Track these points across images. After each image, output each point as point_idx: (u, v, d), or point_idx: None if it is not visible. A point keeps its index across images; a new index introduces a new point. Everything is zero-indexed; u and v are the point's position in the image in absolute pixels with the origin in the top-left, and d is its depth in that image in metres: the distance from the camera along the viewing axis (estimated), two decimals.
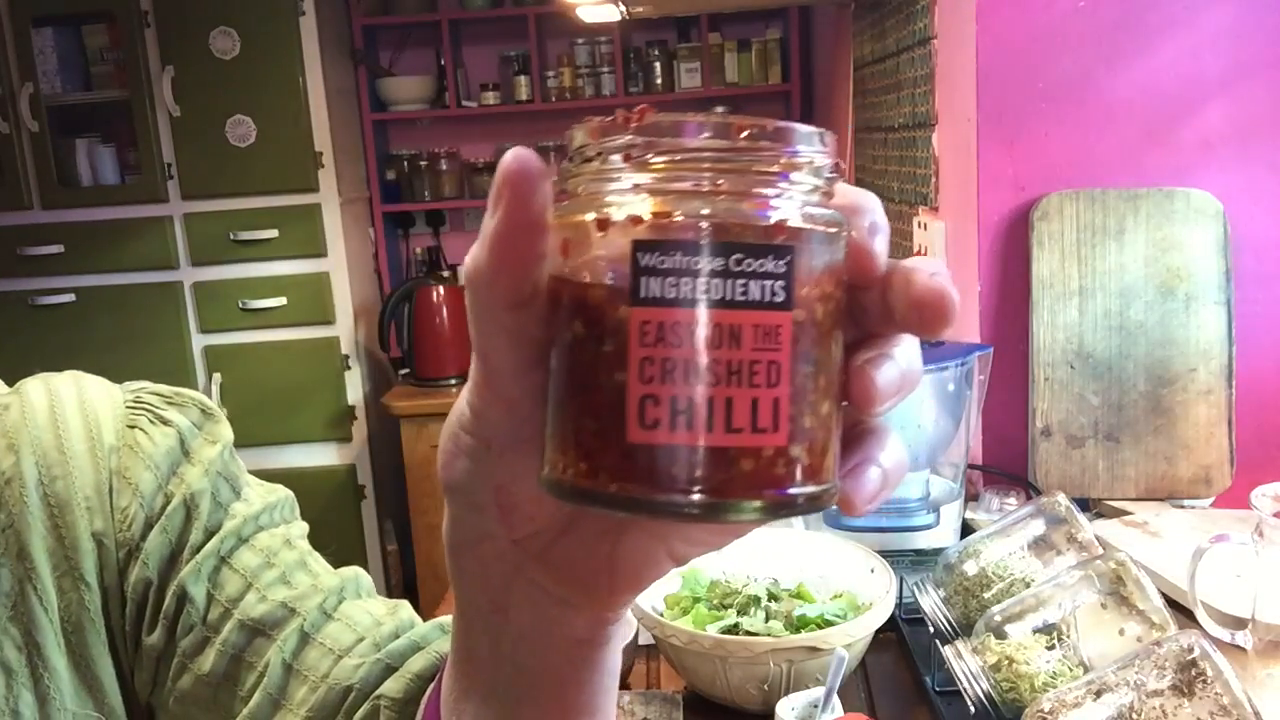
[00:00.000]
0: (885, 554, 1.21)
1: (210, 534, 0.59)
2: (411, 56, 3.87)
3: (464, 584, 0.40)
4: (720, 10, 3.59)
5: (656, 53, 3.73)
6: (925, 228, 1.86)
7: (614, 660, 0.42)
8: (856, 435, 0.33)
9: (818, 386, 0.30)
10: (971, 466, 1.52)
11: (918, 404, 1.34)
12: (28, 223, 3.37)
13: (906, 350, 0.32)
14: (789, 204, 0.30)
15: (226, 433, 0.64)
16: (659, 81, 3.74)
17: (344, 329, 3.47)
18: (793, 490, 0.30)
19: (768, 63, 3.71)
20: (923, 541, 1.36)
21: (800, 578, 1.22)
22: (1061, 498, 1.10)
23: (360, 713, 0.54)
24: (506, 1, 3.68)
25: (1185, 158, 1.51)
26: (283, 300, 3.42)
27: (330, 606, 0.59)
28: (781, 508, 0.30)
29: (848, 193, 0.33)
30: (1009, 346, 1.53)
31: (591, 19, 2.72)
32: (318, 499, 3.52)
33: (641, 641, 1.22)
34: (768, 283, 0.29)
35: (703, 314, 0.28)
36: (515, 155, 0.31)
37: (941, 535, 1.36)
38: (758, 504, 0.29)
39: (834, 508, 0.33)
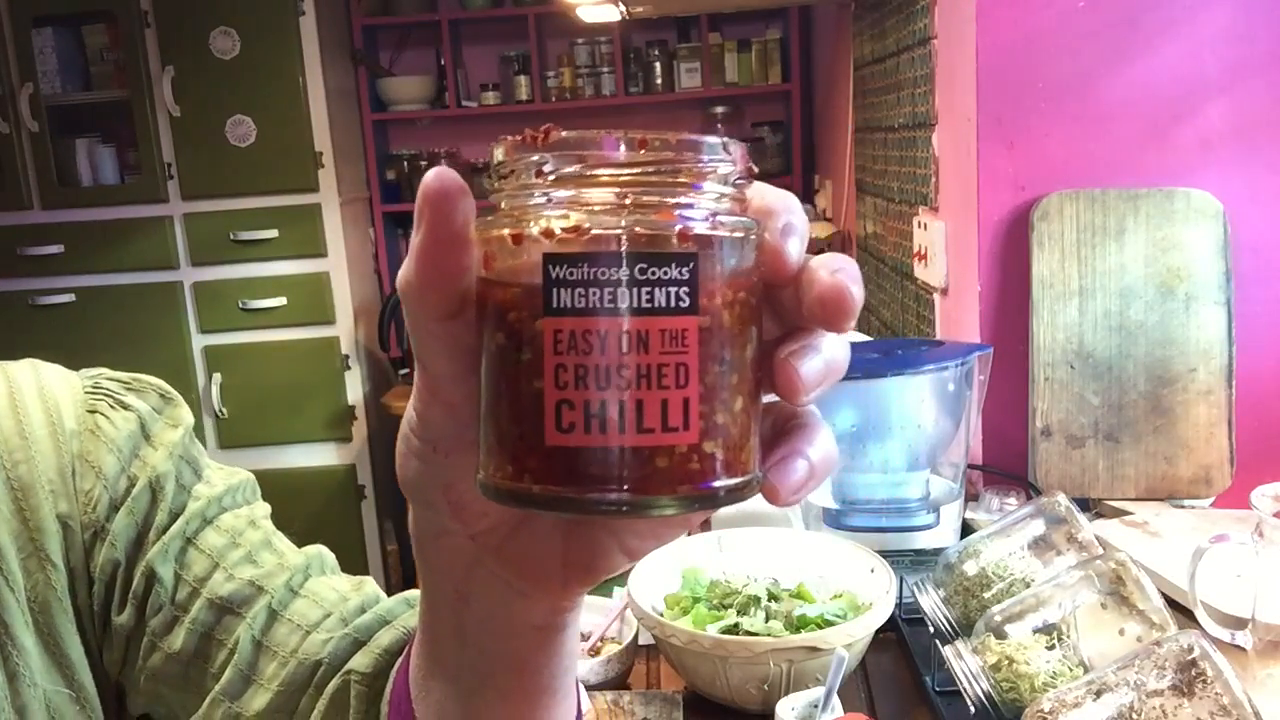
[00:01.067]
0: (885, 554, 1.21)
1: (175, 516, 0.60)
2: (411, 56, 3.87)
3: (428, 573, 0.42)
4: (720, 10, 3.59)
5: (656, 53, 3.73)
6: (925, 228, 1.86)
7: (573, 643, 0.44)
8: (787, 429, 0.35)
9: (730, 384, 0.31)
10: (971, 466, 1.52)
11: (918, 404, 1.34)
12: (28, 223, 3.38)
13: (831, 341, 0.34)
14: (693, 213, 0.31)
15: (187, 416, 0.65)
16: (659, 81, 3.74)
17: (344, 329, 3.47)
18: (712, 484, 0.31)
19: (768, 63, 3.71)
20: (923, 541, 1.36)
21: (800, 578, 1.22)
22: (1061, 498, 1.10)
23: (330, 686, 0.55)
24: (506, 1, 3.69)
25: (1185, 158, 1.50)
26: (283, 300, 3.42)
27: (296, 584, 0.60)
28: (698, 501, 0.31)
29: (765, 195, 0.34)
30: (1009, 346, 1.53)
31: (591, 19, 2.72)
32: (318, 499, 3.52)
33: (641, 641, 1.22)
34: (672, 289, 0.30)
35: (611, 322, 0.30)
36: (436, 174, 0.32)
37: (941, 535, 1.36)
38: (675, 499, 0.31)
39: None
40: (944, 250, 1.75)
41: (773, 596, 1.17)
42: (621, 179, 0.31)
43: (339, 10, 3.58)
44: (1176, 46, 1.49)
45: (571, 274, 0.30)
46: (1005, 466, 1.56)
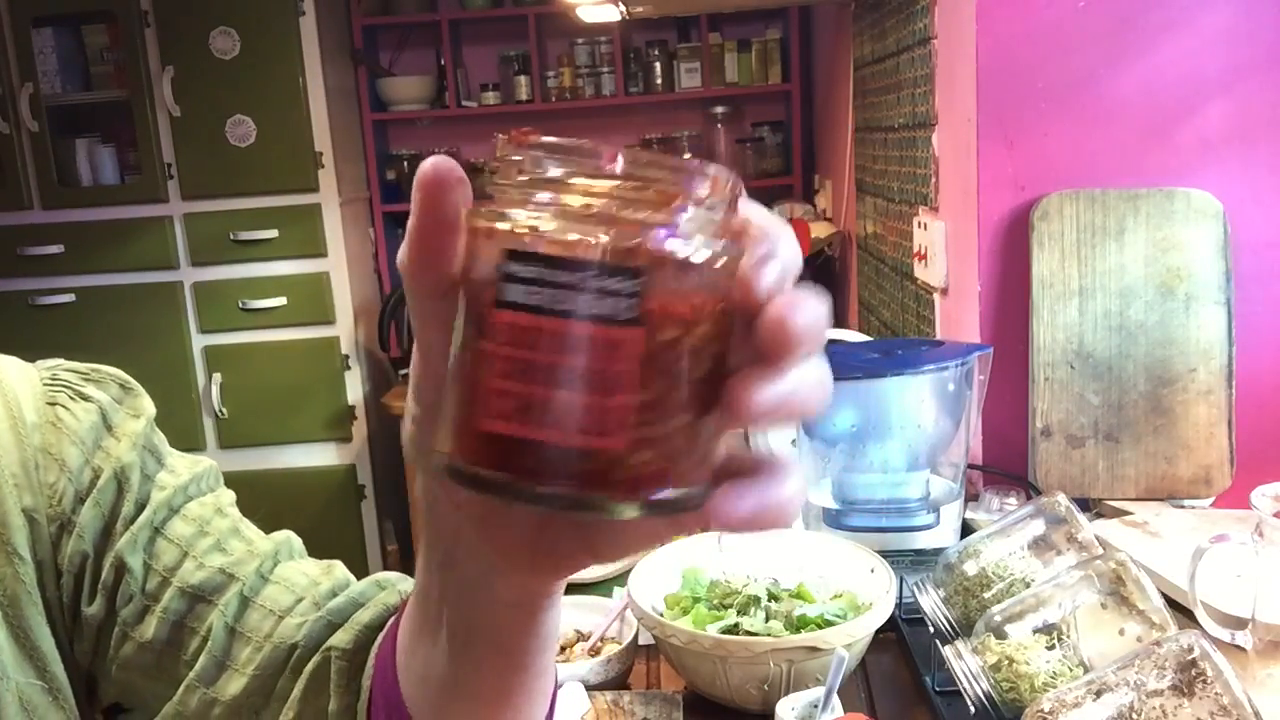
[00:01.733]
0: (885, 554, 1.21)
1: (141, 506, 0.61)
2: (411, 56, 3.87)
3: (427, 534, 0.45)
4: (720, 10, 3.59)
5: (656, 53, 3.73)
6: (925, 228, 1.86)
7: (548, 626, 0.46)
8: (751, 465, 0.35)
9: (673, 401, 0.31)
10: (971, 466, 1.52)
11: (918, 404, 1.34)
12: (28, 223, 3.37)
13: (800, 374, 0.33)
14: (653, 231, 0.31)
15: (149, 406, 0.65)
16: (659, 81, 3.74)
17: (344, 329, 3.47)
18: (641, 493, 0.31)
19: (768, 63, 3.71)
20: (923, 541, 1.36)
21: (800, 578, 1.22)
22: (1061, 498, 1.10)
23: (310, 665, 0.56)
24: (506, 1, 3.69)
25: (1185, 158, 1.50)
26: (283, 300, 3.42)
27: (267, 570, 0.61)
28: (619, 507, 0.31)
29: (753, 221, 0.34)
30: (1009, 346, 1.53)
31: (591, 19, 2.72)
32: (318, 499, 3.52)
33: (641, 641, 1.22)
34: (616, 300, 0.30)
35: (556, 323, 0.30)
36: (432, 163, 0.34)
37: (941, 535, 1.36)
38: (597, 500, 0.31)
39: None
40: (944, 250, 1.75)
41: (773, 596, 1.17)
42: (592, 189, 0.31)
43: (339, 10, 3.58)
44: (1176, 46, 1.49)
45: (525, 272, 0.31)
46: (1005, 466, 1.56)
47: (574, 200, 0.31)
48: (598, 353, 0.30)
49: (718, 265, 0.32)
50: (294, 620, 0.58)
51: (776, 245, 0.34)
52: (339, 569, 0.63)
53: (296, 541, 0.65)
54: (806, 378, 0.33)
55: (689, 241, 0.31)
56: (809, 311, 0.32)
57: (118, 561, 0.59)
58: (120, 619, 0.59)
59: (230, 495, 0.66)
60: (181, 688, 0.58)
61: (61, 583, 0.59)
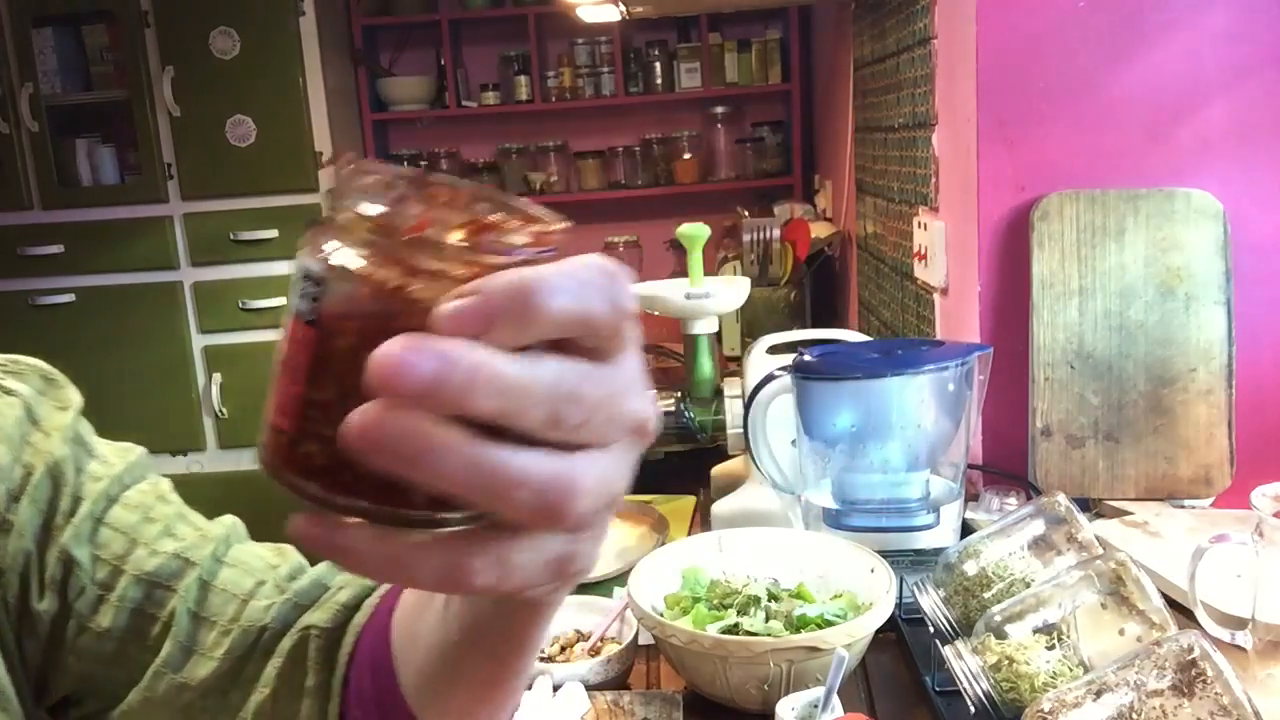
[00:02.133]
0: (885, 554, 1.21)
1: (77, 499, 0.60)
2: (411, 56, 3.87)
3: None
4: (720, 10, 3.59)
5: (656, 53, 3.73)
6: (925, 228, 1.86)
7: (531, 634, 0.47)
8: (430, 546, 0.33)
9: (341, 409, 0.31)
10: (971, 466, 1.52)
11: (918, 404, 1.34)
12: (28, 223, 3.38)
13: (416, 427, 0.29)
14: (346, 248, 0.33)
15: (75, 397, 0.64)
16: (659, 81, 3.74)
17: None
18: (306, 481, 0.33)
19: (768, 63, 3.71)
20: (923, 541, 1.36)
21: (800, 578, 1.22)
22: (1061, 498, 1.10)
23: (286, 644, 0.57)
24: (506, 1, 3.69)
25: (1185, 158, 1.50)
26: (283, 300, 3.41)
27: (221, 554, 0.61)
28: (293, 489, 0.34)
29: (523, 273, 0.31)
30: (1009, 346, 1.53)
31: (591, 19, 2.73)
32: None
33: (641, 641, 1.22)
34: (306, 302, 0.34)
35: (288, 315, 0.35)
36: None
37: (941, 535, 1.36)
38: (280, 474, 0.34)
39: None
40: (944, 250, 1.75)
41: (773, 596, 1.17)
42: (345, 208, 0.34)
43: (339, 10, 3.58)
44: (1176, 46, 1.49)
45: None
46: (1005, 466, 1.56)
47: (337, 214, 0.34)
48: (290, 345, 0.34)
49: (412, 296, 0.32)
50: (260, 603, 0.59)
51: (501, 298, 0.30)
52: (291, 551, 0.63)
53: (241, 526, 0.65)
54: (428, 442, 0.29)
55: (376, 265, 0.32)
56: (427, 357, 0.29)
57: (64, 555, 0.58)
58: (75, 611, 0.58)
59: (168, 483, 0.65)
60: (149, 674, 0.58)
61: (3, 582, 0.58)
